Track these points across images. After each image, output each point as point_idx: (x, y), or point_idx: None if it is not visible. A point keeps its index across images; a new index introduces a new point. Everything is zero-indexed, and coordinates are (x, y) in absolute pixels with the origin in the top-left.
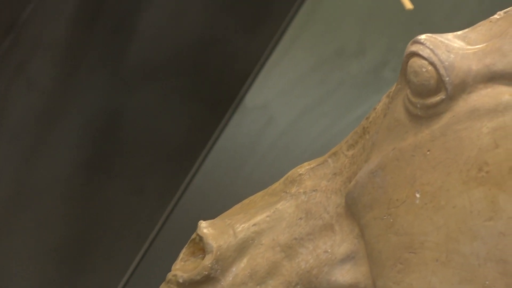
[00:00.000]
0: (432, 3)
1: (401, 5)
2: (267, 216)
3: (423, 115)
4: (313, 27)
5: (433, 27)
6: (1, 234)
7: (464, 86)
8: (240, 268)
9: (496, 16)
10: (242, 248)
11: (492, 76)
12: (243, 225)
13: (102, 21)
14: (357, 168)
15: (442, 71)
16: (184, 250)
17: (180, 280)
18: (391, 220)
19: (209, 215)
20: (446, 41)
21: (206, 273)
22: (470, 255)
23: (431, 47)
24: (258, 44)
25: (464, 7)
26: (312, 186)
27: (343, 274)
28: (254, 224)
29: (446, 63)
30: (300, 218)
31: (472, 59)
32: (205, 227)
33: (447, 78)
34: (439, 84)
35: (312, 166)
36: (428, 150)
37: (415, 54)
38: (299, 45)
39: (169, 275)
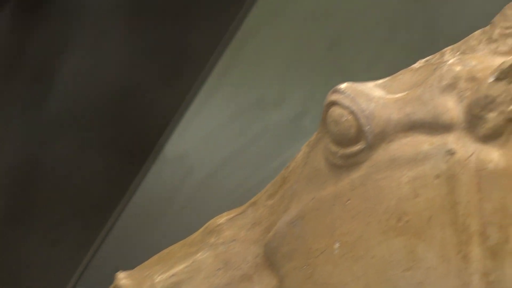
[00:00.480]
0: (352, 51)
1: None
2: (186, 267)
3: (343, 164)
4: (232, 76)
5: (353, 76)
6: None
7: (384, 135)
8: None
9: (416, 64)
10: None
11: (412, 125)
12: (161, 276)
13: (21, 70)
14: (277, 218)
15: (362, 120)
16: None
17: None
18: (310, 270)
19: (127, 266)
20: (367, 90)
21: None
22: None
23: (351, 96)
24: (178, 94)
25: (385, 56)
26: (231, 236)
27: None
28: (173, 275)
29: (367, 112)
30: (219, 269)
31: (393, 108)
32: (123, 278)
33: (368, 127)
34: (359, 133)
35: (231, 216)
36: (348, 200)
37: (335, 103)
38: (219, 95)
39: None
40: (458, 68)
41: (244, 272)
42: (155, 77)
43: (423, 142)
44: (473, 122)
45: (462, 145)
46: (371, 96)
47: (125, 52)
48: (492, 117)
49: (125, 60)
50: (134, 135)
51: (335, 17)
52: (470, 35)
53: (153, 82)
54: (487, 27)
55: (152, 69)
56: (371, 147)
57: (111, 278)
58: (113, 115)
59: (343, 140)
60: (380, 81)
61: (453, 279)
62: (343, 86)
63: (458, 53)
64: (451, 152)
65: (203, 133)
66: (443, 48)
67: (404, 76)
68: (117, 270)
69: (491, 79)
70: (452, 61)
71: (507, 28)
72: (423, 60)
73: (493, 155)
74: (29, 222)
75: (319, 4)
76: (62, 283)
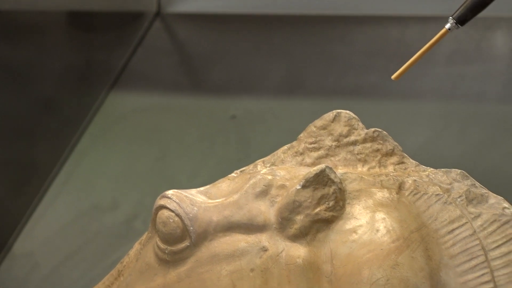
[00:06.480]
0: (177, 163)
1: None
2: None
3: (171, 260)
4: (73, 184)
5: (178, 184)
6: None
7: (206, 235)
8: None
9: (233, 174)
10: None
11: (230, 226)
12: None
13: None
14: None
15: (187, 221)
16: None
17: None
18: None
19: None
20: (190, 196)
21: None
22: None
23: (177, 201)
24: (25, 199)
25: (205, 167)
26: None
27: None
28: None
29: (191, 215)
30: None
31: (213, 211)
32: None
33: (191, 228)
34: (184, 233)
35: None
36: None
37: (163, 207)
38: (62, 200)
39: None
40: (269, 177)
41: None
42: (3, 184)
43: (240, 241)
44: (283, 223)
45: (274, 243)
46: (194, 201)
47: None
48: (299, 219)
49: None
50: None
51: (163, 133)
52: (278, 149)
53: (1, 188)
54: (294, 142)
55: (1, 178)
56: (195, 245)
57: None
58: None
59: (170, 239)
60: (202, 188)
61: None
62: (170, 192)
63: (269, 164)
64: (264, 249)
65: (48, 233)
66: (256, 161)
67: (223, 184)
68: None
69: (298, 187)
70: (265, 171)
71: (311, 143)
72: (239, 170)
73: (301, 251)
74: None
75: (148, 122)
76: None
